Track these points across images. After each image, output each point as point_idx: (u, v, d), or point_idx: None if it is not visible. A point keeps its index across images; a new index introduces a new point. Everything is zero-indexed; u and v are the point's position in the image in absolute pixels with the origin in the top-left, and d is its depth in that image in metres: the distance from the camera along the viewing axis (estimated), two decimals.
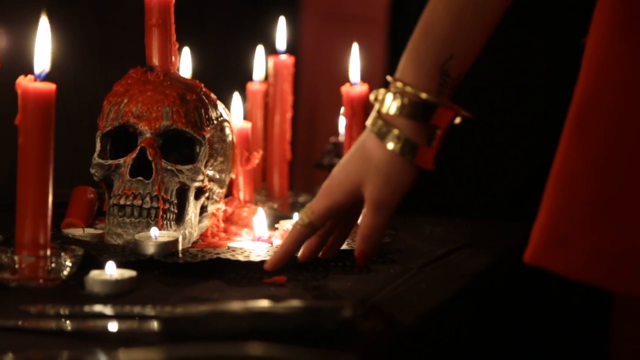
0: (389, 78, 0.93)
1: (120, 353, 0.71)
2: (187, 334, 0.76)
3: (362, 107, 1.27)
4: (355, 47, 1.32)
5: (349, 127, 1.29)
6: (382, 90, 0.93)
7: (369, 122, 0.94)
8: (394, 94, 0.91)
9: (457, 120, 0.92)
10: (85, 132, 1.20)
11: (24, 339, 0.80)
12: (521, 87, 1.62)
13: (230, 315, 0.76)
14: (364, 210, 0.96)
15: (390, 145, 0.91)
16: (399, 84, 0.91)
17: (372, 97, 0.94)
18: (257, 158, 1.25)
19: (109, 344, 0.77)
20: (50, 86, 0.95)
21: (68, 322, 0.83)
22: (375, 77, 1.57)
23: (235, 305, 0.77)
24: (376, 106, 0.93)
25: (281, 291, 0.96)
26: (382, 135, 0.92)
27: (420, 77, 0.90)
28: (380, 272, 1.04)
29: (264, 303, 0.77)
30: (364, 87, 1.28)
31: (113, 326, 0.81)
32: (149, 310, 0.84)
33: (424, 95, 0.90)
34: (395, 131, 0.91)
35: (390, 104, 0.91)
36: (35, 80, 0.95)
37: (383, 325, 0.82)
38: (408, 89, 0.90)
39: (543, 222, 0.82)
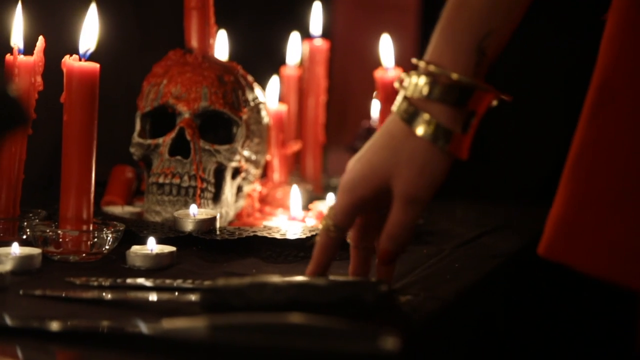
0: (415, 61, 0.84)
1: (164, 322, 0.72)
2: (227, 305, 0.78)
3: (395, 92, 1.28)
4: (387, 33, 1.33)
5: (383, 112, 1.30)
6: (409, 74, 0.84)
7: (394, 106, 0.84)
8: (425, 76, 0.82)
9: (494, 103, 0.84)
10: (123, 112, 1.23)
11: (70, 308, 0.82)
12: (554, 66, 1.60)
13: (271, 286, 0.78)
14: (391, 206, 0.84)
15: (420, 131, 0.82)
16: (431, 67, 0.81)
17: (396, 84, 0.85)
18: (293, 147, 1.27)
19: (151, 315, 0.79)
20: (95, 65, 0.98)
21: (111, 293, 0.85)
22: (407, 65, 1.58)
23: (275, 278, 0.79)
24: (402, 92, 0.84)
25: None
26: (409, 119, 0.82)
27: (456, 57, 0.81)
28: (414, 253, 1.05)
29: (303, 277, 0.80)
30: (398, 72, 1.30)
31: (155, 297, 0.83)
32: (189, 283, 0.86)
33: (459, 77, 0.81)
34: (426, 115, 0.82)
35: (421, 87, 0.82)
36: (80, 59, 0.98)
37: (419, 300, 0.84)
38: (441, 70, 0.81)
39: (558, 213, 0.78)
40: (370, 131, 1.42)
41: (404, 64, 1.49)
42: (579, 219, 0.77)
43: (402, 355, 0.68)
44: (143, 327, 0.74)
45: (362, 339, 0.66)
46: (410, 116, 0.82)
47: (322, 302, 0.75)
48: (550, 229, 0.79)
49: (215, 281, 0.81)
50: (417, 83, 0.82)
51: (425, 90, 0.82)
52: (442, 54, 0.82)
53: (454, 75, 0.81)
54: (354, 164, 0.85)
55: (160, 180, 1.12)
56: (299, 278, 0.80)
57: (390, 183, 0.83)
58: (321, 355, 0.66)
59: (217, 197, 1.13)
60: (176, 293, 0.85)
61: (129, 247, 0.98)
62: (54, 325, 0.75)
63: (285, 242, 1.05)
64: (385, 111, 1.29)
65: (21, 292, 0.85)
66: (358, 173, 0.84)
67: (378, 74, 1.31)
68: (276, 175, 1.27)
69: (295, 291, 0.77)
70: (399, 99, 0.84)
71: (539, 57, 1.61)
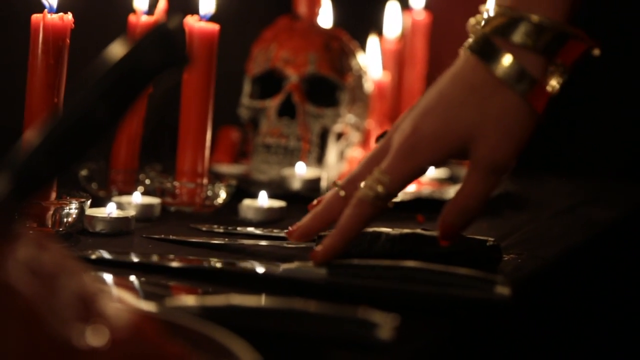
0: (488, 7, 0.72)
1: (282, 266, 0.76)
2: (344, 253, 0.82)
3: None
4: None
5: None
6: (490, 12, 0.72)
7: (466, 43, 0.72)
8: (510, 19, 0.70)
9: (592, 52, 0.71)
10: (227, 76, 1.27)
11: (189, 251, 0.86)
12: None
13: (384, 236, 0.81)
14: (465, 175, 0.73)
15: (500, 71, 0.69)
16: (517, 12, 0.69)
17: (472, 20, 0.72)
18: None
19: (268, 259, 0.83)
20: (214, 26, 1.03)
21: (228, 239, 0.90)
22: None
23: (388, 229, 0.83)
24: (478, 30, 0.71)
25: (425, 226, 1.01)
26: (487, 55, 0.69)
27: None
28: (513, 218, 1.08)
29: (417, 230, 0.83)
30: None
31: (269, 246, 0.88)
32: None
33: (553, 21, 0.69)
34: (508, 56, 0.69)
35: (504, 29, 0.70)
36: (200, 20, 1.02)
37: (522, 259, 0.86)
38: (530, 14, 0.69)
39: None
40: None
41: None
42: None
43: (512, 306, 0.71)
44: (263, 267, 0.77)
45: (478, 285, 0.69)
46: (488, 52, 0.70)
47: (435, 254, 0.78)
48: None
49: (330, 230, 0.85)
50: (501, 23, 0.70)
51: (509, 33, 0.69)
52: None
53: (546, 20, 0.69)
54: (418, 121, 0.71)
55: (268, 140, 1.16)
56: (410, 230, 0.83)
57: (471, 146, 0.70)
58: (436, 298, 0.70)
59: (321, 159, 1.17)
60: (287, 243, 0.89)
61: (239, 203, 1.03)
62: (173, 262, 0.79)
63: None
64: None
65: (144, 235, 0.91)
66: (428, 133, 0.71)
67: None
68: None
69: (410, 242, 0.81)
70: (474, 35, 0.72)
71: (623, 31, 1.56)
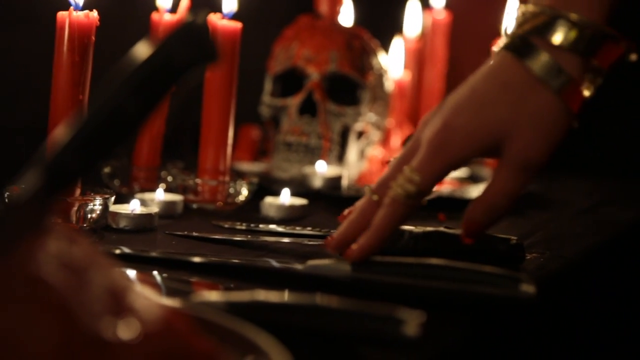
0: (524, 7, 0.72)
1: (309, 262, 0.77)
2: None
3: None
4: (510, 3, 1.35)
5: None
6: (526, 10, 0.72)
7: (500, 43, 0.72)
8: (548, 18, 0.70)
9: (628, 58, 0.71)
10: (248, 75, 1.28)
11: (211, 247, 0.87)
12: None
13: (407, 234, 0.82)
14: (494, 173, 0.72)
15: (536, 68, 0.69)
16: (556, 11, 0.69)
17: (504, 29, 0.74)
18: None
19: (290, 256, 0.83)
20: (237, 25, 1.03)
21: (251, 236, 0.90)
22: None
23: (410, 227, 0.83)
24: (513, 28, 0.72)
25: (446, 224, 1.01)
26: (524, 53, 0.69)
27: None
28: (534, 217, 1.08)
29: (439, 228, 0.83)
30: None
31: (291, 243, 0.88)
32: (324, 232, 0.91)
33: (590, 23, 0.69)
34: (545, 54, 0.69)
35: (542, 28, 0.70)
36: (223, 18, 1.03)
37: (545, 258, 0.86)
38: (569, 13, 0.69)
39: None
40: None
41: None
42: None
43: (537, 304, 0.71)
44: (287, 264, 0.77)
45: (503, 282, 0.69)
46: (525, 51, 0.70)
47: (456, 251, 0.79)
48: None
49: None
50: (538, 23, 0.70)
51: (545, 33, 0.69)
52: None
53: (585, 19, 0.69)
54: (449, 117, 0.70)
55: (289, 138, 1.17)
56: (433, 228, 0.83)
57: (504, 144, 0.70)
58: (461, 295, 0.70)
59: (341, 157, 1.17)
60: (309, 240, 0.90)
61: (260, 200, 1.03)
62: (196, 258, 0.80)
63: None
64: None
65: (167, 232, 0.91)
66: (460, 129, 0.70)
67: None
68: (395, 140, 1.31)
69: (433, 239, 0.81)
70: (508, 34, 0.72)
71: None
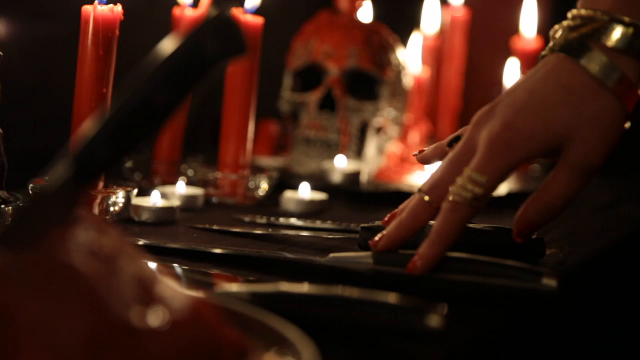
0: (576, 11, 0.73)
1: (331, 255, 0.77)
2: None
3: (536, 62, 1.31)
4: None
5: None
6: (574, 17, 0.73)
7: (551, 46, 0.73)
8: (604, 22, 0.71)
9: None
10: (266, 70, 1.28)
11: (232, 241, 0.87)
12: None
13: (429, 228, 0.82)
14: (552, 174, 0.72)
15: (595, 69, 0.70)
16: (612, 16, 0.71)
17: (556, 26, 0.74)
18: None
19: (318, 250, 0.84)
20: (258, 20, 1.03)
21: (272, 229, 0.90)
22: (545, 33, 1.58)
23: (431, 222, 0.83)
24: (564, 31, 0.73)
25: None
26: (582, 55, 0.71)
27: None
28: None
29: None
30: (539, 41, 1.32)
31: (312, 237, 0.88)
32: (345, 225, 0.91)
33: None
34: (602, 55, 0.70)
35: (597, 32, 0.71)
36: (245, 13, 1.03)
37: (564, 253, 0.87)
38: (624, 17, 0.71)
39: None
40: None
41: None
42: None
43: (558, 299, 0.71)
44: (309, 256, 0.78)
45: (525, 276, 0.70)
46: (582, 53, 0.71)
47: (478, 245, 0.79)
48: None
49: (373, 221, 0.85)
50: (595, 27, 0.71)
51: (597, 36, 0.71)
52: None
53: (639, 23, 0.70)
54: (510, 117, 0.70)
55: (308, 133, 1.17)
56: None
57: (565, 146, 0.70)
58: (484, 288, 0.70)
59: (360, 152, 1.18)
60: (330, 234, 0.90)
61: (280, 195, 1.04)
62: (217, 249, 0.80)
63: None
64: None
65: (188, 225, 0.92)
66: (523, 129, 0.70)
67: (520, 43, 1.33)
68: (413, 136, 1.31)
69: None
70: (561, 38, 0.72)
71: None
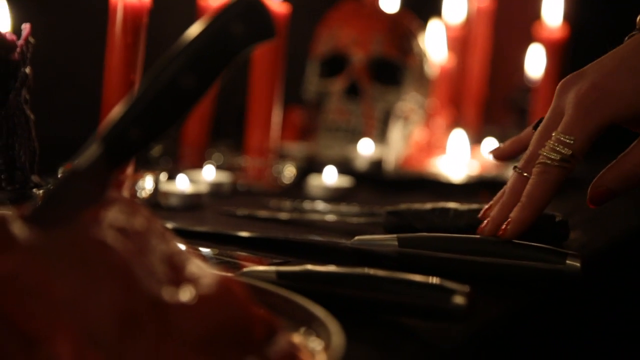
0: None
1: (356, 238, 0.78)
2: (410, 227, 0.84)
3: (561, 49, 1.31)
4: None
5: (548, 70, 1.32)
6: None
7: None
8: None
9: None
10: (291, 57, 1.30)
11: (259, 225, 0.89)
12: None
13: (452, 211, 0.83)
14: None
15: None
16: None
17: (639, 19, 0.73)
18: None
19: (343, 233, 0.85)
20: (285, 7, 1.04)
21: (298, 214, 0.92)
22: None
23: (455, 204, 0.84)
24: None
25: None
26: None
27: None
28: (574, 197, 1.08)
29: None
30: (564, 28, 1.32)
31: (338, 221, 0.89)
32: (370, 209, 0.92)
33: None
34: None
35: None
36: (272, 0, 1.04)
37: (588, 236, 0.87)
38: None
39: None
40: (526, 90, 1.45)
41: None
42: None
43: (581, 281, 0.72)
44: (335, 239, 0.79)
45: (549, 257, 0.70)
46: None
47: None
48: None
49: (398, 205, 0.86)
50: None
51: None
52: None
53: None
54: (598, 80, 0.69)
55: (333, 119, 1.18)
56: (478, 205, 0.84)
57: None
58: (508, 269, 0.71)
59: (384, 138, 1.19)
60: (355, 218, 0.91)
61: (305, 180, 1.05)
62: (243, 233, 0.81)
63: (450, 186, 1.10)
64: (550, 69, 1.32)
65: (215, 210, 0.93)
66: (612, 89, 0.68)
67: (546, 32, 1.33)
68: (438, 121, 1.32)
69: (475, 216, 0.82)
70: None
71: None
